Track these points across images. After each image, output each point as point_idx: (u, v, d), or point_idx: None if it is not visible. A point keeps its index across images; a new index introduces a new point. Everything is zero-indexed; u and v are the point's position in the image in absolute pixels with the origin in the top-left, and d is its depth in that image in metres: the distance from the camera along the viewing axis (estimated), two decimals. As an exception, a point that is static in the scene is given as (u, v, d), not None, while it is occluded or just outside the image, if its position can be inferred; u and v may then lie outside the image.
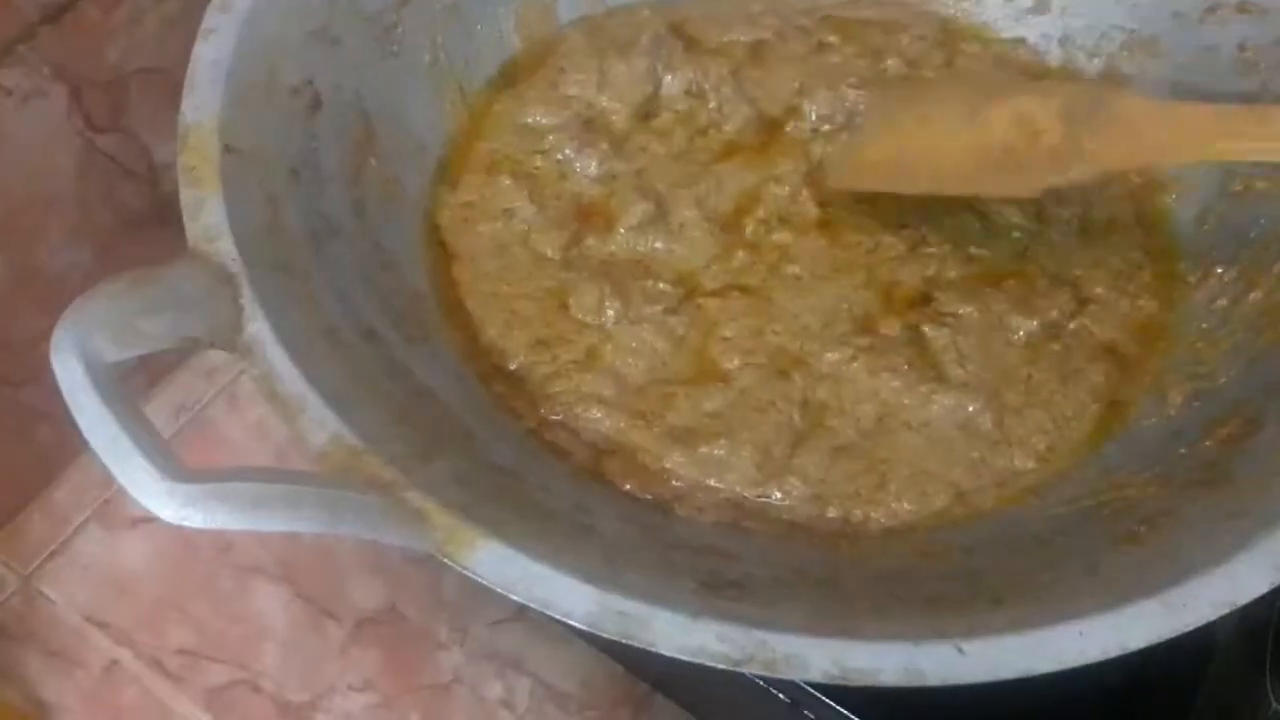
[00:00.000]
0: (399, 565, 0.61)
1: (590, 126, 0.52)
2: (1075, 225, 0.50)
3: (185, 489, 0.30)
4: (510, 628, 0.59)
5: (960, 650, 0.31)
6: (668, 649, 0.31)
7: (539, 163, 0.51)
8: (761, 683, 0.44)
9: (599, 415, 0.43)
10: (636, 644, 0.31)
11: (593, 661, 0.58)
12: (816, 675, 0.31)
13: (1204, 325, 0.46)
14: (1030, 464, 0.43)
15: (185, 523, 0.30)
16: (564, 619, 0.31)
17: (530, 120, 0.52)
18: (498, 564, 0.32)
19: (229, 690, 0.58)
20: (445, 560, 0.32)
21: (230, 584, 0.61)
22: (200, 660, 0.59)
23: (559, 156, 0.51)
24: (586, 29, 0.55)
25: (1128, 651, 0.31)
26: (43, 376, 0.58)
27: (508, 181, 0.50)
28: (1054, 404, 0.45)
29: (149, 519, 0.62)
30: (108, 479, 0.62)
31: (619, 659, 0.58)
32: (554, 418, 0.43)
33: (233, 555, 0.61)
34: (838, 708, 0.43)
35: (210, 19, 0.42)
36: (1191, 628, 0.32)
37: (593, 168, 0.51)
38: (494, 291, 0.47)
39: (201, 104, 0.40)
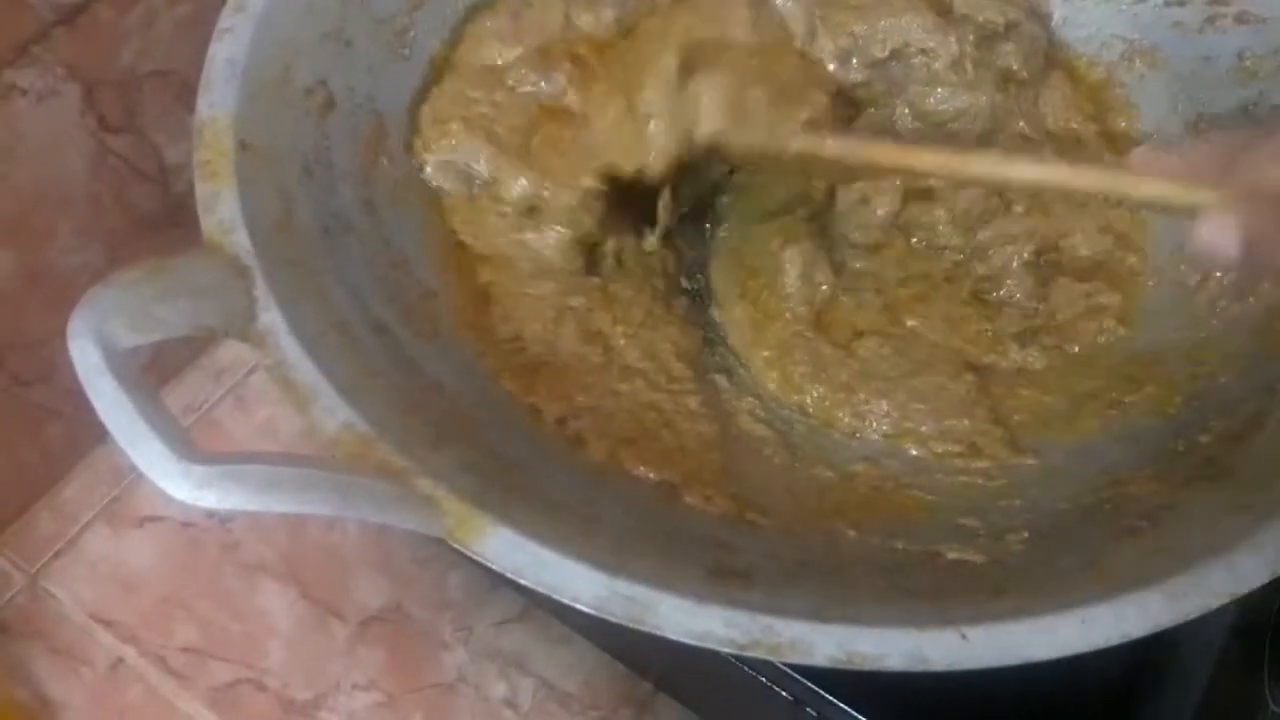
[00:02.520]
0: (404, 564, 0.61)
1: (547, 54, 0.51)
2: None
3: (200, 470, 0.30)
4: (514, 628, 0.60)
5: (964, 637, 0.31)
6: (674, 633, 0.31)
7: (498, 98, 0.51)
8: (764, 679, 0.44)
9: (640, 386, 0.45)
10: (644, 628, 0.31)
11: (596, 661, 0.58)
12: (822, 660, 0.31)
13: (1205, 327, 0.46)
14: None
15: (200, 503, 0.30)
16: (572, 603, 0.32)
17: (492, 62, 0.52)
18: (507, 550, 0.32)
19: (234, 688, 0.58)
20: (456, 545, 0.32)
21: (236, 582, 0.61)
22: (205, 658, 0.59)
23: (526, 88, 0.50)
24: None
25: (1129, 639, 0.32)
26: (52, 375, 0.59)
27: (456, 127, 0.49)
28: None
29: (155, 518, 0.63)
30: (116, 477, 0.64)
31: (622, 658, 0.58)
32: (590, 404, 0.44)
33: (238, 554, 0.62)
34: (840, 704, 0.43)
35: (226, 19, 0.43)
36: (1192, 617, 0.32)
37: (562, 82, 0.50)
38: (537, 294, 0.48)
39: (217, 101, 0.41)
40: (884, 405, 0.46)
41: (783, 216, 0.51)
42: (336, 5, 0.47)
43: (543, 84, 0.50)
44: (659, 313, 0.49)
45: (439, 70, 0.51)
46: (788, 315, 0.49)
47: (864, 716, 0.42)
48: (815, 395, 0.47)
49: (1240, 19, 0.50)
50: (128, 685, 0.59)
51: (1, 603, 0.60)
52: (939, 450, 0.45)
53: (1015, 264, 0.49)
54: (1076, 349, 0.48)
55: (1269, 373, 0.42)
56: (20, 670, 0.58)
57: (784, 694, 0.44)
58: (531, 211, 0.48)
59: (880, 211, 0.51)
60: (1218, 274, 0.47)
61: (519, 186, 0.48)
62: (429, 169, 0.49)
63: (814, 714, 0.44)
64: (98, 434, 0.64)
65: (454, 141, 0.49)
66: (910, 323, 0.49)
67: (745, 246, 0.51)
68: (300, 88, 0.44)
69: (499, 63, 0.51)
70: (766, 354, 0.48)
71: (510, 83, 0.50)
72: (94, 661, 0.59)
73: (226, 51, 0.42)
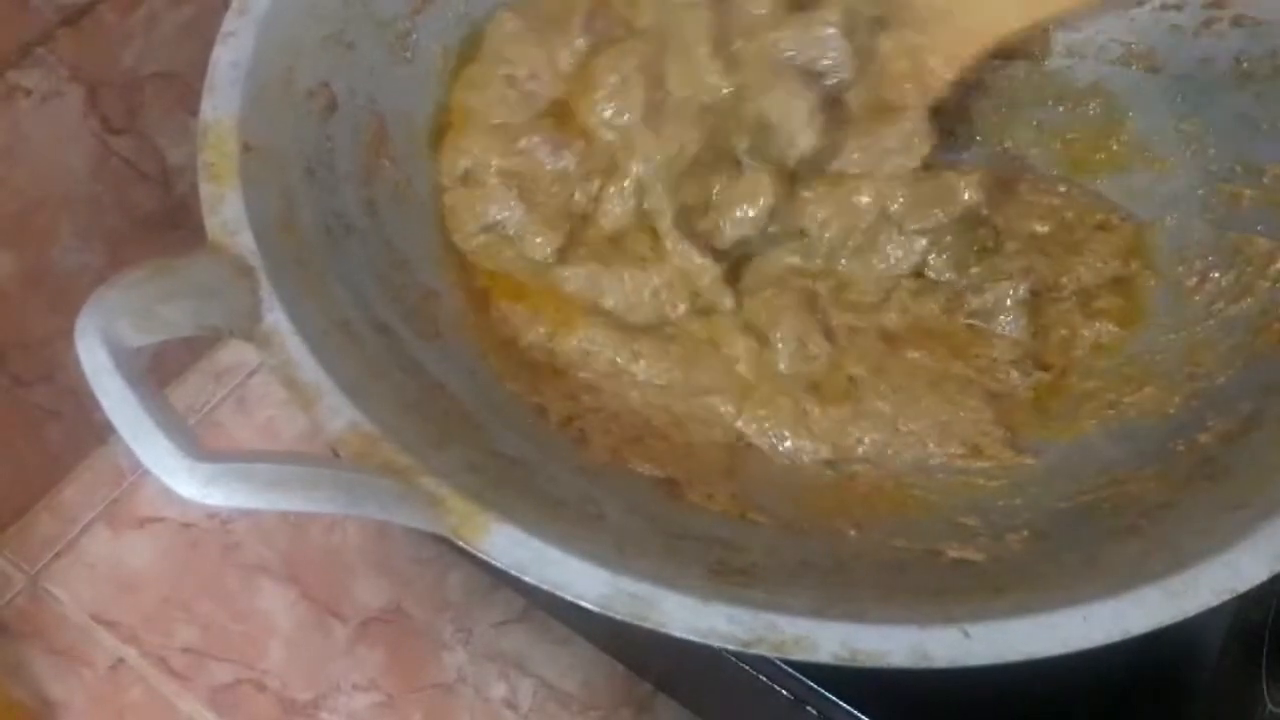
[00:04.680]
0: (404, 565, 0.61)
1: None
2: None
3: (207, 468, 0.30)
4: (514, 628, 0.60)
5: (966, 634, 0.32)
6: (679, 630, 0.31)
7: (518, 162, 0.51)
8: (764, 678, 0.45)
9: (644, 396, 0.45)
10: (647, 625, 0.32)
11: (595, 661, 0.58)
12: (825, 657, 0.31)
13: (1202, 327, 0.46)
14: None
15: (206, 501, 0.30)
16: (576, 600, 0.32)
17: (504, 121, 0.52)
18: (511, 547, 0.33)
19: (234, 689, 0.58)
20: (460, 543, 0.33)
21: (236, 583, 0.61)
22: (205, 659, 0.59)
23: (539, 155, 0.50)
24: (517, 6, 0.54)
25: (1130, 636, 0.32)
26: (53, 375, 0.60)
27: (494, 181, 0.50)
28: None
29: (156, 519, 0.63)
30: (116, 478, 0.64)
31: (621, 659, 0.58)
32: (595, 405, 0.44)
33: (239, 554, 0.62)
34: (841, 703, 0.43)
35: (229, 22, 0.43)
36: (1192, 614, 0.32)
37: (569, 161, 0.50)
38: (547, 293, 0.48)
39: (221, 103, 0.41)
40: (878, 436, 0.45)
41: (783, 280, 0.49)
42: (338, 8, 0.47)
43: (554, 160, 0.50)
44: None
45: (457, 113, 0.52)
46: (779, 382, 0.47)
47: (865, 715, 0.43)
48: (794, 441, 0.46)
49: (1237, 22, 0.51)
50: (128, 686, 0.59)
51: (2, 603, 0.61)
52: (940, 452, 0.45)
53: (1009, 301, 0.49)
54: (1077, 353, 0.48)
55: (1266, 372, 0.42)
56: (21, 671, 0.59)
57: (784, 693, 0.44)
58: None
59: (888, 266, 0.50)
60: (1214, 274, 0.48)
61: (547, 247, 0.48)
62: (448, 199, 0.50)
63: (815, 713, 0.44)
64: (98, 435, 0.65)
65: (486, 193, 0.49)
66: (911, 355, 0.48)
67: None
68: (303, 90, 0.45)
69: (513, 122, 0.51)
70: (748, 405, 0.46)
71: (522, 146, 0.50)
72: (94, 662, 0.59)
73: (230, 54, 0.42)
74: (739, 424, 0.45)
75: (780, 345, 0.47)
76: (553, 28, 0.53)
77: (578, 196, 0.50)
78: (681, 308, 0.48)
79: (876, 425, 0.46)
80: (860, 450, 0.45)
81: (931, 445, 0.45)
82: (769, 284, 0.49)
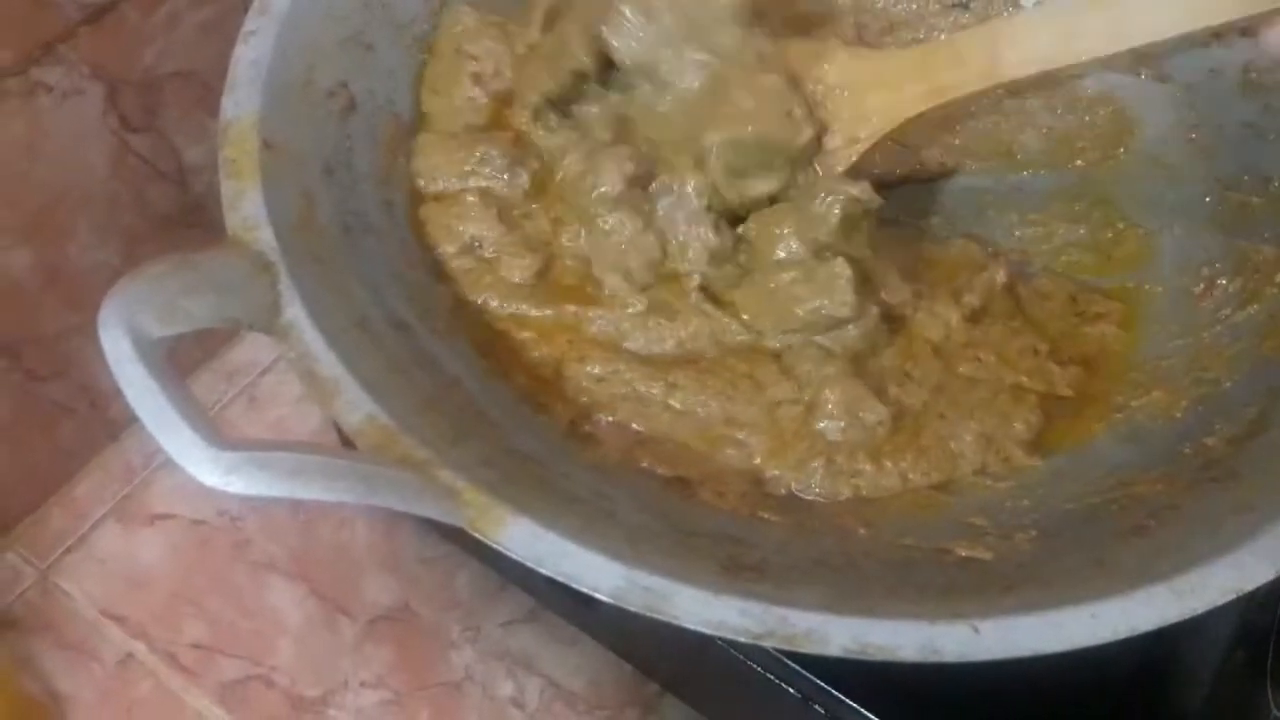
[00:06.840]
0: (412, 564, 0.62)
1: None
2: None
3: (229, 456, 0.31)
4: (521, 628, 0.60)
5: (975, 630, 0.32)
6: (691, 623, 0.32)
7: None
8: (773, 676, 0.45)
9: (649, 410, 0.44)
10: (661, 618, 0.32)
11: (603, 661, 0.59)
12: (836, 651, 0.32)
13: (1209, 333, 0.47)
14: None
15: (228, 489, 0.31)
16: (591, 593, 0.32)
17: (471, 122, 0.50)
18: (527, 540, 0.33)
19: (242, 684, 0.59)
20: (477, 535, 0.33)
21: (245, 580, 0.61)
22: (214, 654, 0.60)
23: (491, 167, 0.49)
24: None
25: (1137, 633, 0.32)
26: (68, 371, 0.60)
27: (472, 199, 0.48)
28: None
29: (166, 515, 0.64)
30: (127, 475, 0.64)
31: (629, 659, 0.58)
32: (608, 419, 0.44)
33: (248, 552, 0.62)
34: (849, 701, 0.43)
35: (250, 21, 0.44)
36: (1199, 612, 0.32)
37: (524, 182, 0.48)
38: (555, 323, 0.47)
39: (241, 101, 0.42)
40: (927, 466, 0.44)
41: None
42: (358, 10, 0.48)
43: (506, 176, 0.48)
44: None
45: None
46: (816, 443, 0.44)
47: (873, 714, 0.43)
48: (829, 488, 0.44)
49: (1246, 33, 0.51)
50: (137, 680, 0.59)
51: (13, 598, 0.61)
52: (978, 462, 0.45)
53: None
54: (1095, 356, 0.49)
55: (1272, 377, 0.43)
56: (31, 665, 0.59)
57: (792, 691, 0.45)
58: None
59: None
60: (1221, 281, 0.48)
61: (526, 271, 0.47)
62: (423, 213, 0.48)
63: (822, 712, 0.45)
64: (110, 431, 0.65)
65: (462, 210, 0.48)
66: (963, 371, 0.47)
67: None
68: (322, 90, 0.45)
69: (473, 126, 0.50)
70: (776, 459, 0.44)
71: (478, 157, 0.48)
72: (104, 657, 0.60)
73: (251, 53, 0.43)
74: (771, 473, 0.44)
75: (828, 421, 0.44)
76: (514, 21, 0.51)
77: (544, 224, 0.48)
78: (713, 353, 0.46)
79: (932, 460, 0.44)
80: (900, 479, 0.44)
81: (971, 456, 0.45)
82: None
